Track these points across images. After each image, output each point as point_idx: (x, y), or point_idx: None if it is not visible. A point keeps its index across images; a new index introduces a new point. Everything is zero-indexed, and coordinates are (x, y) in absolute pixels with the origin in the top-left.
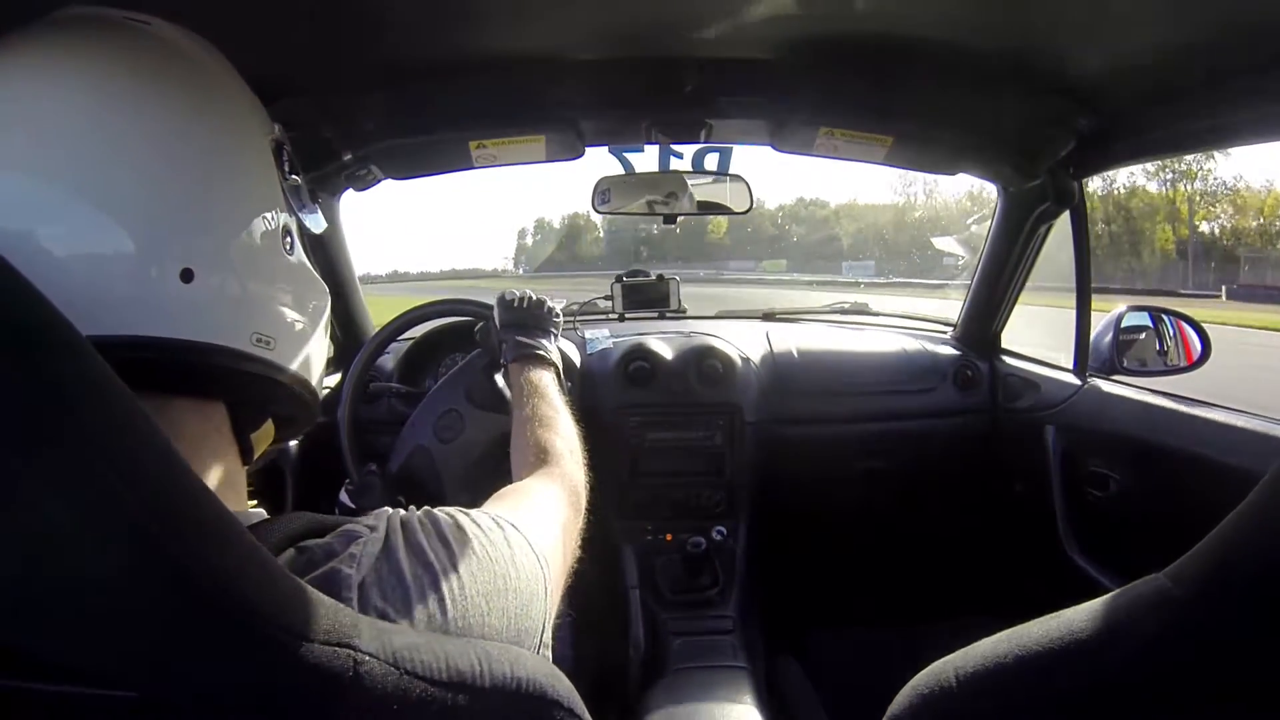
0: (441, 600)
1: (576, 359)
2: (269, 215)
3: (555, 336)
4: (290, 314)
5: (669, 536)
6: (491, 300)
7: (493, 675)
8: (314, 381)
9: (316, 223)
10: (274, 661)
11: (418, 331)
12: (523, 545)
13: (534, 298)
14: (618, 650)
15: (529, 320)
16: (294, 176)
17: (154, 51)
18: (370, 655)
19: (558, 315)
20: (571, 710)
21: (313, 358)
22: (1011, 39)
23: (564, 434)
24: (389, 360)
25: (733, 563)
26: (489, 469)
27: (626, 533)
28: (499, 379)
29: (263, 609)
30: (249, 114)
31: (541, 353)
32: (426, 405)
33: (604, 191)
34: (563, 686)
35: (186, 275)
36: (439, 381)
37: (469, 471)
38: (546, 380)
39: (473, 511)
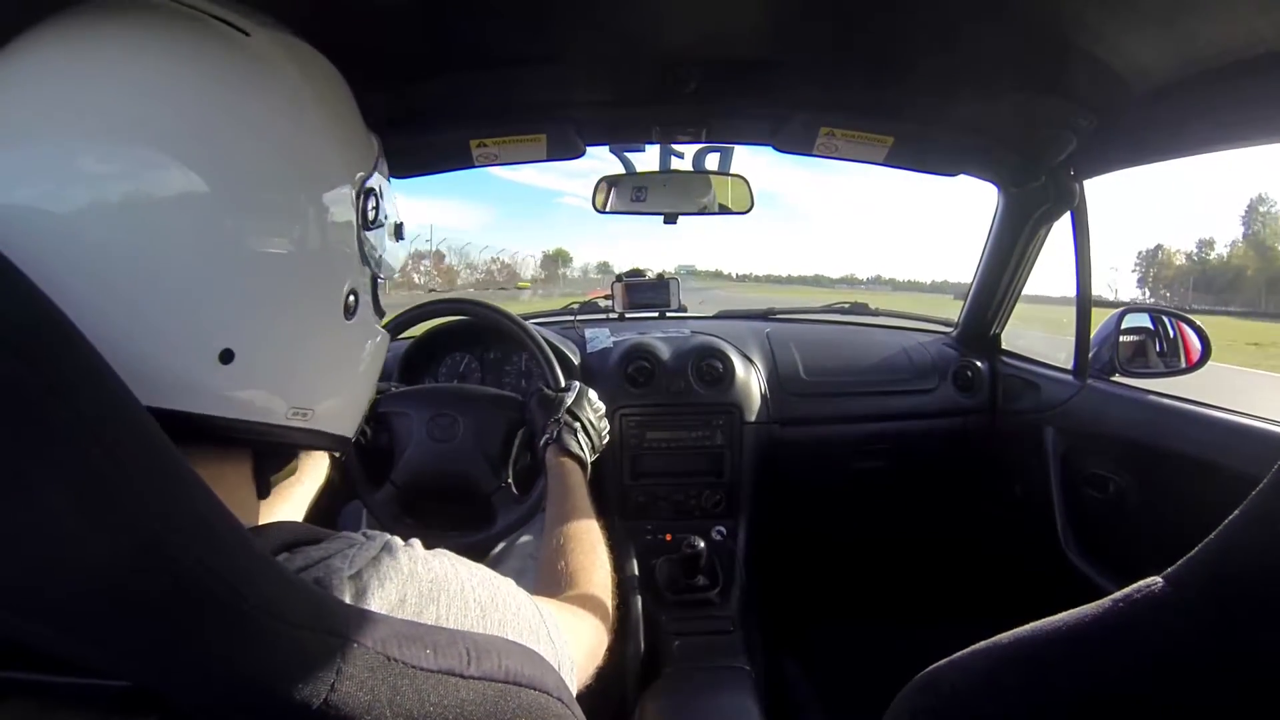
0: (436, 598)
1: (576, 360)
2: (331, 283)
3: (598, 452)
4: (335, 380)
5: (669, 536)
6: None
7: (480, 666)
8: (351, 432)
9: (390, 268)
10: (264, 649)
11: (417, 331)
12: (532, 608)
13: (603, 410)
14: (617, 650)
15: (591, 429)
16: (382, 218)
17: (227, 72)
18: (359, 643)
19: (609, 435)
20: (560, 700)
21: (355, 410)
22: (1012, 39)
23: (601, 563)
24: (389, 360)
25: (732, 563)
26: (435, 492)
27: (626, 532)
28: (517, 442)
29: (253, 597)
30: (337, 156)
31: (585, 459)
32: (434, 396)
33: (606, 191)
34: (551, 678)
35: (226, 356)
36: (475, 383)
37: (419, 476)
38: (583, 488)
39: None
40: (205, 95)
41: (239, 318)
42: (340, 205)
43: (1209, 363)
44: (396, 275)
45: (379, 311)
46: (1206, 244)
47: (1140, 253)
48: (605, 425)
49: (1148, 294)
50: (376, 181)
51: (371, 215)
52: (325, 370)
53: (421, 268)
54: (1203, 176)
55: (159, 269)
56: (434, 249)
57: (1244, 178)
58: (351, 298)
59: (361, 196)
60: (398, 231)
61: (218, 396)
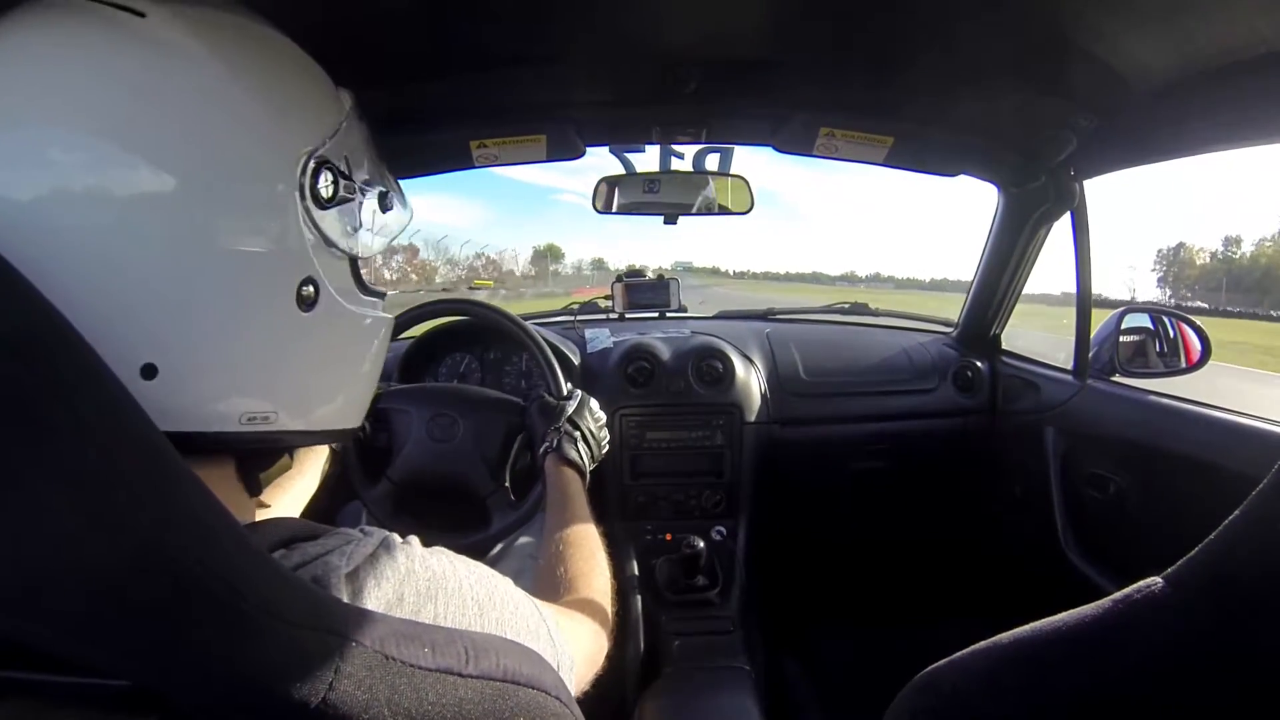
0: (434, 596)
1: (576, 361)
2: (269, 278)
3: (597, 462)
4: (301, 378)
5: (669, 536)
6: None
7: (478, 664)
8: (344, 423)
9: (367, 245)
10: (262, 648)
11: (417, 331)
12: (531, 607)
13: (604, 420)
14: (617, 650)
15: (591, 439)
16: (347, 193)
17: (123, 59)
18: (357, 642)
19: (609, 444)
20: (559, 699)
21: (343, 402)
22: (1012, 39)
23: (600, 569)
24: (389, 360)
25: (732, 563)
26: (431, 491)
27: (626, 533)
28: (515, 447)
29: (252, 597)
30: (266, 131)
31: (584, 468)
32: (435, 395)
33: (606, 191)
34: (549, 676)
35: (148, 371)
36: (475, 383)
37: (416, 475)
38: (582, 496)
39: None
40: (91, 82)
41: (158, 324)
42: (271, 187)
43: None
44: (375, 253)
45: (370, 293)
46: (1233, 241)
47: (1160, 251)
48: (605, 435)
49: (1169, 294)
50: (335, 151)
51: (328, 192)
52: (280, 370)
53: (393, 263)
54: (1222, 173)
55: (63, 283)
56: (409, 243)
57: (1270, 173)
58: (308, 288)
59: (309, 173)
60: (383, 201)
61: (150, 413)
